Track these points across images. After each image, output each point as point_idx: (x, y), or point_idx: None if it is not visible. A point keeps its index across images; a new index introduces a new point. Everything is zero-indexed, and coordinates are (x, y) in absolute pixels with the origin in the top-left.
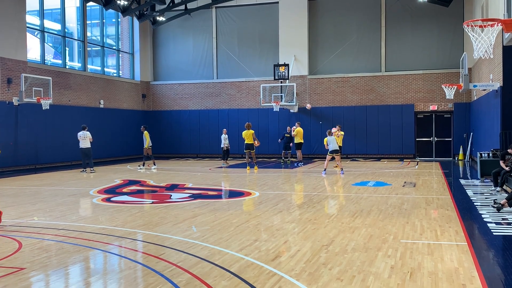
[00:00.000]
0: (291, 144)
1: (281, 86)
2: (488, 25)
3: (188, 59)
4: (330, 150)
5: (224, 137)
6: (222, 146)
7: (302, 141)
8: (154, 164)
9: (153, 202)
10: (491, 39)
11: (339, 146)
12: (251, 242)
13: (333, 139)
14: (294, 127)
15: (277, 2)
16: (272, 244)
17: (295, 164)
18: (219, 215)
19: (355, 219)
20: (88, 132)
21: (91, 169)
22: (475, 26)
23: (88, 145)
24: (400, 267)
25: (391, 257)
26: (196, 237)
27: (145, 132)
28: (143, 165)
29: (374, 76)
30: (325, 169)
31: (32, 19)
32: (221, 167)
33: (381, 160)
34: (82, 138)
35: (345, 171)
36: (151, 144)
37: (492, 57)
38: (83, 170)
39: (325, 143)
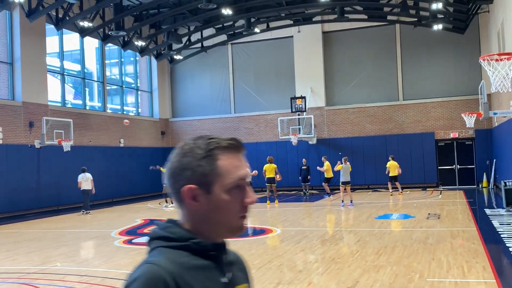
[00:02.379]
0: (309, 177)
1: (299, 118)
2: (505, 58)
3: (205, 95)
4: (343, 181)
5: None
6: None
7: (332, 176)
8: (172, 203)
9: None
10: (508, 72)
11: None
12: (274, 286)
13: (347, 169)
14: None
15: (292, 36)
16: (295, 287)
17: (324, 196)
18: None
19: (380, 256)
20: (89, 174)
21: (87, 211)
22: (491, 60)
23: (90, 187)
24: None
25: None
26: None
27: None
28: (167, 202)
29: (392, 105)
30: (343, 201)
31: (52, 61)
32: None
33: (404, 190)
34: (84, 180)
35: (367, 202)
36: None
37: (510, 90)
38: (86, 212)
39: (339, 168)
